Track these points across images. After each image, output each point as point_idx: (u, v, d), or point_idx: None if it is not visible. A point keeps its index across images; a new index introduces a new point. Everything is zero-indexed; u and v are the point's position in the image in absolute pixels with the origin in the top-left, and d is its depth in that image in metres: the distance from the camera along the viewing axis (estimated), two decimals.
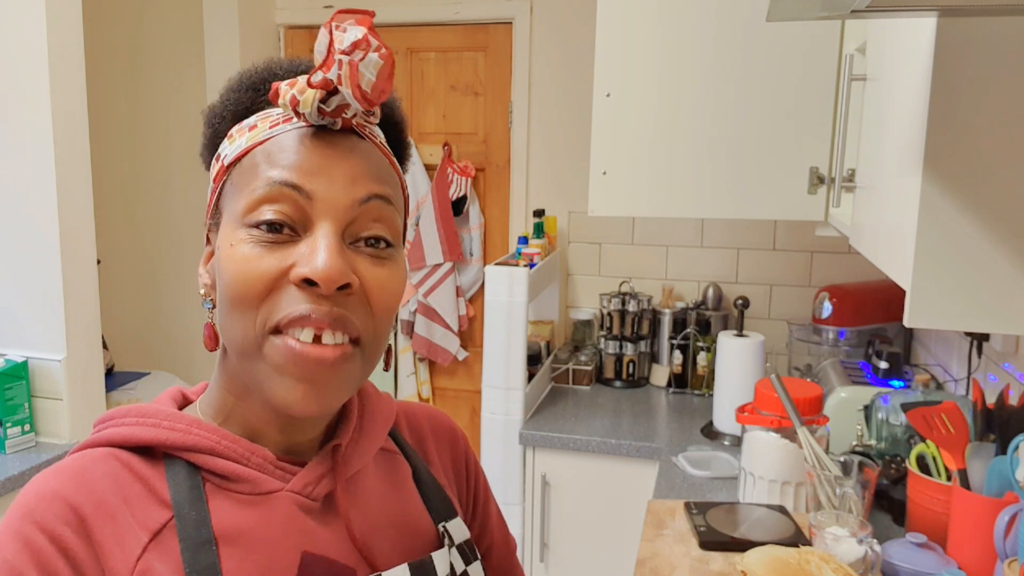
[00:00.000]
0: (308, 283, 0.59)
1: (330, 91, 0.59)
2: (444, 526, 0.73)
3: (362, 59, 0.58)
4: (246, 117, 0.67)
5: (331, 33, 0.58)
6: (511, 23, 2.82)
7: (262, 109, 0.67)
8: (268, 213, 0.59)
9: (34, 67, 1.89)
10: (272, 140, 0.62)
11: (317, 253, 0.58)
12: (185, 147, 3.05)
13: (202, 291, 0.66)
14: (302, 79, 0.60)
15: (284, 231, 0.60)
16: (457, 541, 0.73)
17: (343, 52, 0.58)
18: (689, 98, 1.95)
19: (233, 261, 0.60)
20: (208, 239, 0.67)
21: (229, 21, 2.87)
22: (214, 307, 0.65)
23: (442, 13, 2.86)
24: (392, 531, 0.70)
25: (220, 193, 0.65)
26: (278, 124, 0.63)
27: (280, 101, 0.61)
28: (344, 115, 0.61)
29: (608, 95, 2.00)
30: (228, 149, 0.65)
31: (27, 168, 1.93)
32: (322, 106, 0.60)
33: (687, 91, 1.95)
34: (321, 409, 0.61)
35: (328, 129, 0.62)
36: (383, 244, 0.63)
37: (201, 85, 2.97)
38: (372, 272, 0.61)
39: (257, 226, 0.60)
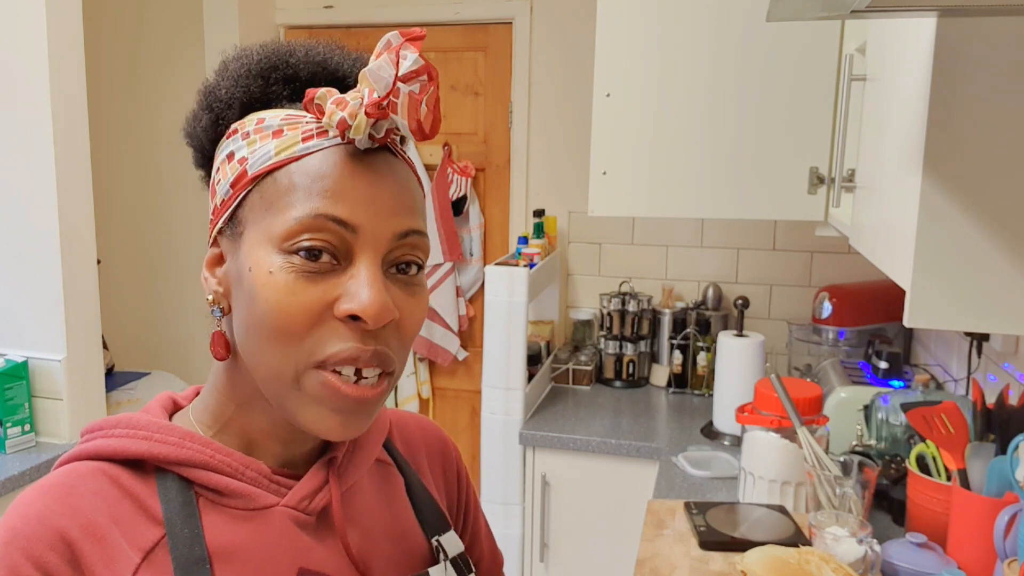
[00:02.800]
0: (353, 318, 0.58)
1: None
2: (438, 540, 0.72)
3: (423, 93, 0.57)
4: (254, 108, 0.64)
5: (398, 64, 0.56)
6: (511, 23, 2.82)
7: (273, 100, 0.64)
8: (309, 241, 0.57)
9: (34, 68, 1.89)
10: (310, 159, 0.59)
11: (363, 288, 0.57)
12: (185, 147, 3.04)
13: (210, 297, 0.63)
14: (352, 101, 0.57)
15: (323, 257, 0.58)
16: (451, 555, 0.72)
17: (400, 79, 0.56)
18: (689, 98, 1.95)
19: (274, 290, 0.57)
20: (216, 242, 0.64)
21: (229, 21, 2.87)
22: (223, 315, 0.63)
23: (442, 13, 2.86)
24: (388, 545, 0.69)
25: (242, 202, 0.61)
26: (312, 137, 0.60)
27: (325, 120, 0.58)
28: (396, 138, 0.60)
29: (608, 95, 2.00)
30: (248, 153, 0.61)
31: (27, 168, 1.93)
32: (372, 132, 0.58)
33: (687, 91, 1.95)
34: (355, 435, 0.61)
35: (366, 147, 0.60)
36: (414, 269, 0.62)
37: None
38: (407, 303, 0.61)
39: (296, 252, 0.58)
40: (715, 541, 1.46)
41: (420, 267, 0.63)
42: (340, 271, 0.58)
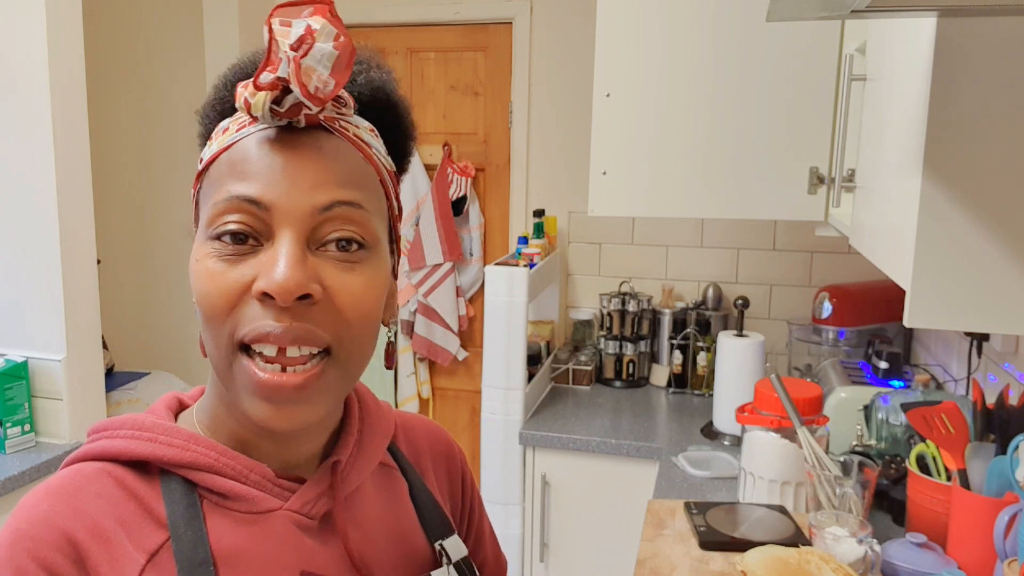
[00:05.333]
0: (268, 296, 0.56)
1: (284, 90, 0.57)
2: (441, 544, 0.72)
3: (305, 55, 0.55)
4: (230, 115, 0.65)
5: (271, 30, 0.56)
6: (511, 23, 2.82)
7: None
8: (229, 224, 0.57)
9: (34, 68, 1.89)
10: (236, 146, 0.60)
11: (275, 264, 0.56)
12: (185, 147, 3.05)
13: (194, 298, 0.63)
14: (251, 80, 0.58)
15: (248, 242, 0.58)
16: (454, 559, 0.72)
17: (291, 48, 0.55)
18: (689, 98, 1.95)
19: (199, 277, 0.58)
20: None
21: (229, 20, 2.87)
22: None
23: (442, 13, 2.86)
24: (390, 549, 0.69)
25: (197, 200, 0.63)
26: (244, 127, 0.60)
27: (237, 103, 0.59)
28: (307, 111, 0.58)
29: (608, 95, 2.00)
30: (205, 153, 0.63)
31: (27, 168, 1.93)
32: (275, 107, 0.57)
33: (687, 91, 1.95)
34: (295, 426, 0.59)
35: (295, 128, 0.59)
36: (354, 246, 0.59)
37: (201, 85, 2.97)
38: (340, 279, 0.58)
39: (219, 238, 0.58)
40: (715, 541, 1.46)
41: (361, 244, 0.60)
42: (261, 251, 0.58)
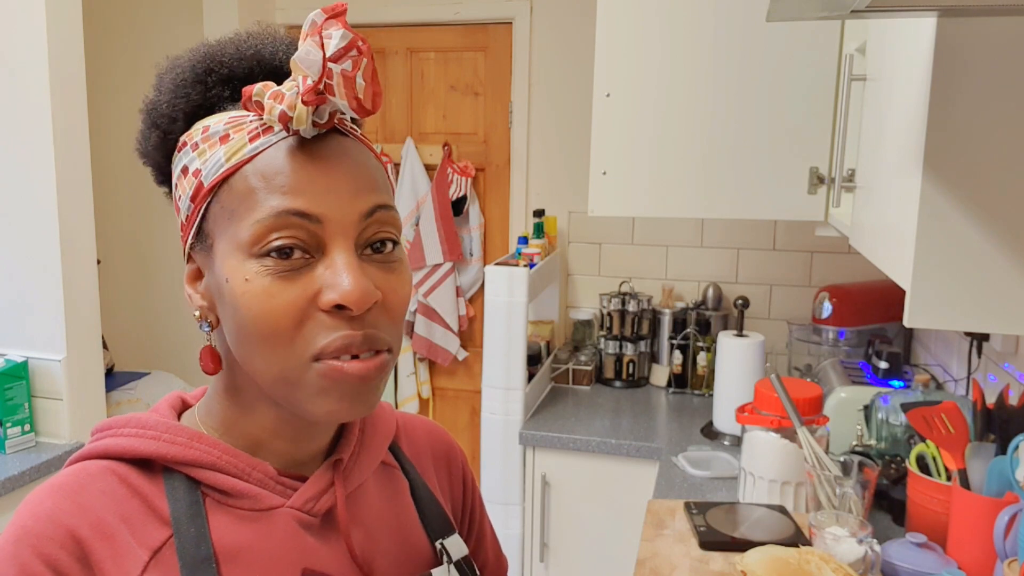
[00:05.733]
0: (338, 307, 0.57)
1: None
2: (442, 543, 0.72)
3: (354, 68, 0.55)
4: (199, 117, 0.63)
5: (322, 45, 0.55)
6: (511, 23, 2.82)
7: (216, 106, 0.63)
8: (279, 240, 0.57)
9: (34, 68, 1.89)
10: (261, 158, 0.58)
11: (341, 276, 0.57)
12: None
13: (196, 312, 0.63)
14: (288, 92, 0.56)
15: (294, 255, 0.57)
16: (455, 558, 0.72)
17: (330, 60, 0.55)
18: (689, 98, 1.95)
19: (253, 297, 0.57)
20: (191, 257, 0.64)
21: (229, 21, 2.87)
22: (212, 328, 0.63)
23: (442, 13, 2.86)
24: (391, 547, 0.69)
25: (204, 215, 0.61)
26: (258, 136, 0.59)
27: (266, 116, 0.58)
28: (340, 118, 0.59)
29: (608, 95, 2.00)
30: (201, 164, 0.60)
31: (27, 168, 1.93)
32: (315, 119, 0.57)
33: (687, 91, 1.95)
34: (367, 412, 0.61)
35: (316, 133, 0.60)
36: (389, 246, 0.61)
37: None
38: (386, 280, 0.60)
39: (267, 254, 0.57)
40: (715, 541, 1.46)
41: (395, 243, 0.62)
42: (315, 264, 0.58)
